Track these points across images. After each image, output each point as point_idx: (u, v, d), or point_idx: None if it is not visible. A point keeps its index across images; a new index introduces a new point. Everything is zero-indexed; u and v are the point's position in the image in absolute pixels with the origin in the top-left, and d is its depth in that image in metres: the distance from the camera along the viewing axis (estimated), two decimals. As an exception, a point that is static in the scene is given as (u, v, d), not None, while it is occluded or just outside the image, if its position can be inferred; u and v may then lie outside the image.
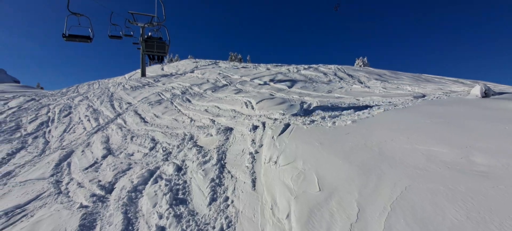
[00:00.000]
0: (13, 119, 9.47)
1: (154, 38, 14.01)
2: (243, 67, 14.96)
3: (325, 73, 11.72)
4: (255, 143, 3.63)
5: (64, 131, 7.66)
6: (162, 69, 17.18)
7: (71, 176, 4.02)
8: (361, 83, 9.42)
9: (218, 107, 6.24)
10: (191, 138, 4.49)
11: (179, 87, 10.04)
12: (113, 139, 5.57)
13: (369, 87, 8.31)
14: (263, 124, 4.14)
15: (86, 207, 3.05)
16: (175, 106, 7.24)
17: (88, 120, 7.96)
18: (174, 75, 13.82)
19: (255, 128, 4.07)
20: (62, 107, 10.06)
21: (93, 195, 3.26)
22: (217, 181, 3.04)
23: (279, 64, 16.60)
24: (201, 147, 4.03)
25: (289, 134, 3.30)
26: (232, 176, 3.09)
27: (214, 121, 5.22)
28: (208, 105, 6.61)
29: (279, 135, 3.40)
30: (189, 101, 7.65)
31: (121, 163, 3.99)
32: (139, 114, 7.18)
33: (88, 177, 3.80)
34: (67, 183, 3.77)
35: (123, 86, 11.81)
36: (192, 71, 14.19)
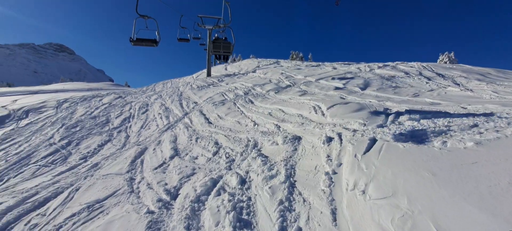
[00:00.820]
0: (105, 114, 11.03)
1: (220, 39, 14.58)
2: (306, 66, 14.22)
3: (406, 73, 10.04)
4: (331, 160, 3.03)
5: (141, 127, 8.45)
6: (226, 69, 17.82)
7: (142, 174, 4.17)
8: (458, 85, 7.62)
9: (283, 111, 5.80)
10: (255, 145, 4.17)
11: (241, 87, 10.03)
12: (180, 138, 5.71)
13: (472, 90, 6.61)
14: (339, 135, 3.49)
15: (152, 213, 2.99)
16: (238, 108, 7.13)
17: (161, 118, 8.60)
18: (236, 75, 14.06)
19: (329, 139, 3.46)
20: (141, 105, 11.28)
21: (159, 199, 3.21)
22: (286, 204, 2.58)
23: (347, 62, 15.20)
24: (266, 157, 3.65)
25: (378, 154, 2.60)
26: (304, 200, 2.59)
27: (279, 126, 4.80)
28: (272, 108, 6.25)
29: (365, 153, 2.72)
30: (252, 102, 7.46)
31: (186, 166, 3.93)
32: (204, 115, 7.32)
33: (156, 178, 3.83)
34: (139, 182, 3.89)
35: (191, 86, 12.55)
36: (254, 71, 14.18)
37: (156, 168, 4.24)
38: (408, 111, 4.48)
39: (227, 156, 3.95)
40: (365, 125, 3.73)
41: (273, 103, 6.72)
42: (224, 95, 9.14)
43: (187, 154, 4.59)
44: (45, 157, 7.14)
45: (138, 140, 7.17)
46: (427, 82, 8.45)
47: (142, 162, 4.70)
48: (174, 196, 3.27)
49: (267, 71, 13.02)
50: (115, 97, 14.54)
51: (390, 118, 4.01)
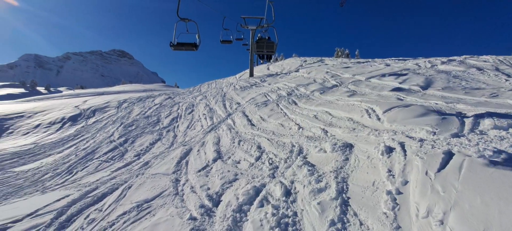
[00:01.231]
0: (156, 114, 11.86)
1: (263, 39, 14.51)
2: (353, 63, 13.23)
3: (479, 68, 8.52)
4: (393, 176, 2.57)
5: (187, 127, 8.80)
6: (268, 68, 17.70)
7: (187, 176, 4.22)
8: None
9: (330, 114, 5.36)
10: (300, 151, 3.87)
11: (284, 88, 9.75)
12: (223, 140, 5.71)
13: None
14: (402, 145, 2.97)
15: (195, 219, 2.94)
16: (281, 109, 6.87)
17: (205, 118, 8.84)
18: (279, 74, 13.81)
19: (389, 150, 2.96)
20: (187, 105, 11.83)
21: (202, 205, 3.16)
22: (339, 225, 2.23)
23: (402, 58, 13.68)
24: (313, 165, 3.32)
25: (459, 173, 2.08)
26: (361, 223, 2.21)
27: (327, 131, 4.40)
28: (317, 111, 5.84)
29: (439, 170, 2.22)
30: (295, 103, 7.13)
31: (228, 171, 3.84)
32: (247, 116, 7.24)
33: (200, 181, 3.81)
34: (183, 184, 3.93)
35: (234, 86, 12.71)
36: (297, 70, 13.75)
37: (199, 171, 4.25)
38: (490, 115, 3.66)
39: (270, 162, 3.74)
40: (434, 133, 3.11)
41: (318, 105, 6.30)
42: (267, 96, 8.98)
43: (229, 157, 4.52)
44: (106, 153, 7.93)
45: (184, 140, 7.46)
46: (507, 80, 7.00)
47: (186, 163, 4.79)
48: (216, 203, 3.18)
49: (311, 70, 12.47)
50: (165, 98, 15.60)
51: (467, 124, 3.29)
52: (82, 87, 58.66)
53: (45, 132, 15.42)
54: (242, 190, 3.13)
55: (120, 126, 10.88)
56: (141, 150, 7.62)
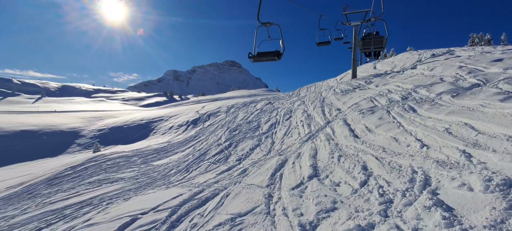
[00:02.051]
0: (257, 119, 12.48)
1: (370, 34, 12.75)
2: (503, 52, 9.51)
3: None
4: None
5: (285, 134, 8.70)
6: (375, 67, 15.43)
7: (280, 193, 3.97)
8: None
9: (473, 128, 3.82)
10: (427, 181, 2.84)
11: (397, 90, 8.06)
12: (321, 153, 5.15)
13: None
14: None
15: (285, 251, 2.61)
16: (394, 118, 5.60)
17: (302, 125, 8.46)
18: (389, 74, 11.71)
19: None
20: (286, 111, 11.82)
21: (293, 234, 2.79)
22: None
23: None
24: (451, 209, 2.31)
25: None
26: None
27: (470, 155, 3.09)
28: (451, 122, 4.32)
29: None
30: (414, 111, 5.65)
31: (325, 195, 3.29)
32: (348, 125, 6.35)
33: (293, 203, 3.46)
34: (276, 202, 3.70)
35: (334, 90, 11.71)
36: (414, 67, 11.22)
37: (293, 188, 3.91)
38: None
39: (380, 191, 2.93)
40: None
41: (450, 113, 4.69)
42: (374, 100, 7.66)
43: (327, 176, 3.95)
44: (214, 155, 8.88)
45: (281, 148, 7.35)
46: None
47: (281, 177, 4.56)
48: (309, 235, 2.73)
49: (435, 66, 9.84)
50: (265, 103, 16.34)
51: None
52: (203, 95, 70.95)
53: (175, 132, 19.23)
54: (342, 227, 2.54)
55: (226, 130, 12.09)
56: (242, 155, 8.09)
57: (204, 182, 6.06)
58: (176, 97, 69.36)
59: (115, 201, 5.74)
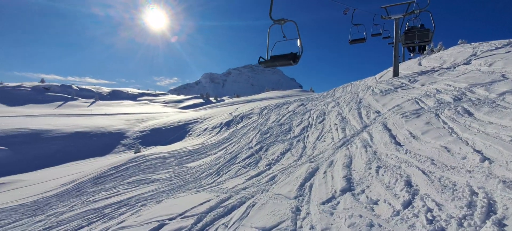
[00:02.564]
0: (288, 122, 12.13)
1: (414, 28, 11.54)
2: None
3: None
4: None
5: (317, 138, 8.23)
6: (420, 64, 13.91)
7: (309, 207, 3.65)
8: None
9: (554, 137, 3.05)
10: (491, 207, 2.29)
11: (448, 89, 7.07)
12: (356, 162, 4.67)
13: None
14: None
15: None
16: (444, 123, 4.85)
17: (336, 129, 7.91)
18: (437, 70, 10.43)
19: None
20: (319, 113, 11.25)
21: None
22: None
23: None
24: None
25: None
26: None
27: (552, 173, 2.43)
28: (521, 128, 3.55)
29: None
30: (471, 114, 4.83)
31: (360, 216, 2.90)
32: (389, 130, 5.71)
33: (322, 222, 3.13)
34: (303, 218, 3.40)
35: (372, 90, 10.82)
36: (468, 63, 9.82)
37: (323, 203, 3.56)
38: None
39: (429, 216, 2.43)
40: None
41: (521, 118, 3.87)
42: (419, 102, 6.81)
43: (363, 191, 3.52)
44: (244, 159, 8.79)
45: (312, 153, 6.94)
46: None
47: (310, 188, 4.22)
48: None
49: (494, 60, 8.45)
50: (298, 105, 15.85)
51: None
52: (237, 96, 72.40)
53: (209, 134, 19.72)
54: (379, 257, 2.16)
55: (258, 133, 11.96)
56: (272, 159, 7.85)
57: (233, 187, 5.97)
58: (211, 99, 71.84)
59: (148, 203, 5.94)
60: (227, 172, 7.94)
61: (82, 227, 5.10)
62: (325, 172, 4.64)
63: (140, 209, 5.43)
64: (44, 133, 17.11)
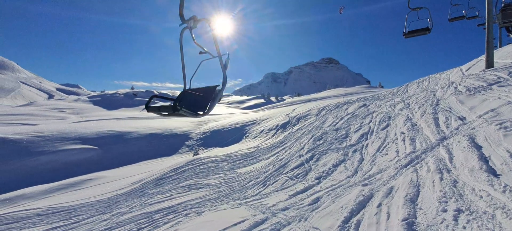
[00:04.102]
0: (346, 126, 10.82)
1: (512, 4, 8.75)
2: None
3: None
4: None
5: (378, 150, 6.94)
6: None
7: (350, 254, 2.85)
8: None
9: None
10: None
11: None
12: (425, 195, 3.52)
13: None
14: None
15: None
16: None
17: (403, 140, 6.47)
18: None
19: None
20: (383, 117, 9.61)
21: None
22: None
23: None
24: None
25: None
26: None
27: None
28: None
29: None
30: None
31: None
32: (479, 147, 4.21)
33: None
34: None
35: (455, 87, 8.56)
36: None
37: (371, 253, 2.72)
38: None
39: None
40: None
41: None
42: (531, 105, 4.89)
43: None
44: (293, 169, 8.14)
45: (370, 170, 5.80)
46: None
47: (357, 227, 3.36)
48: None
49: None
50: (358, 106, 14.10)
51: None
52: (299, 95, 71.02)
53: (265, 136, 19.61)
54: None
55: (311, 138, 11.07)
56: (323, 172, 7.00)
57: (273, 205, 5.48)
58: (272, 98, 72.43)
59: (191, 213, 5.99)
60: (273, 183, 7.47)
61: (131, 233, 5.42)
62: (379, 205, 3.66)
63: (180, 222, 5.48)
64: (126, 135, 19.97)
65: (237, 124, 25.23)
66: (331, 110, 17.54)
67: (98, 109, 51.27)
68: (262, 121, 24.70)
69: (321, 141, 10.06)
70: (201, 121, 28.84)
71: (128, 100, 61.97)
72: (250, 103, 66.82)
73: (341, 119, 12.54)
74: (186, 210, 6.39)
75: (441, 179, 3.68)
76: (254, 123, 24.34)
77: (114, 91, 72.36)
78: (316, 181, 6.54)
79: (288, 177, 7.61)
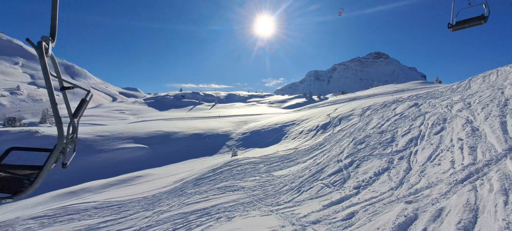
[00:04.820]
0: (392, 129, 9.79)
1: None
2: None
3: None
4: None
5: (429, 158, 6.07)
6: None
7: None
8: None
9: None
10: None
11: None
12: (484, 223, 2.89)
13: None
14: None
15: None
16: None
17: (460, 148, 5.51)
18: None
19: None
20: (436, 119, 8.39)
21: None
22: None
23: None
24: None
25: None
26: None
27: None
28: None
29: None
30: None
31: None
32: None
33: None
34: None
35: (539, 83, 6.99)
36: None
37: None
38: None
39: None
40: None
41: None
42: None
43: None
44: (330, 175, 7.68)
45: (417, 183, 5.08)
46: None
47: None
48: None
49: None
50: (409, 105, 12.63)
51: None
52: (343, 93, 67.46)
53: (304, 138, 19.08)
54: None
55: (351, 142, 10.32)
56: (362, 181, 6.43)
57: (304, 216, 5.23)
58: (314, 97, 70.28)
59: (221, 218, 6.06)
60: (308, 189, 7.14)
61: (167, 233, 5.71)
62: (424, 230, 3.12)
63: (211, 226, 5.57)
64: (172, 135, 21.46)
65: (276, 124, 25.05)
66: (377, 110, 16.17)
67: (151, 110, 56.46)
68: (302, 121, 24.08)
69: (363, 145, 9.28)
70: (241, 121, 29.43)
71: (177, 102, 66.72)
72: (291, 103, 65.84)
73: (387, 120, 11.41)
74: (218, 213, 6.49)
75: (506, 202, 2.98)
76: (294, 124, 23.86)
77: (165, 94, 78.72)
78: (354, 191, 6.03)
79: (324, 184, 7.19)
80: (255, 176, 9.97)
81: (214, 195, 8.45)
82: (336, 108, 24.71)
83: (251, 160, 12.86)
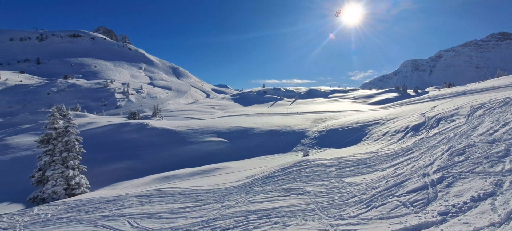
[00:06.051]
0: (509, 138, 7.43)
1: None
2: None
3: None
4: None
5: None
6: None
7: None
8: None
9: None
10: None
11: None
12: None
13: None
14: None
15: None
16: None
17: None
18: None
19: None
20: None
21: None
22: None
23: None
24: None
25: None
26: None
27: None
28: None
29: None
30: None
31: None
32: None
33: None
34: None
35: None
36: None
37: None
38: None
39: None
40: None
41: None
42: None
43: None
44: (411, 191, 6.57)
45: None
46: None
47: None
48: None
49: None
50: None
51: None
52: (449, 85, 55.21)
53: (389, 140, 16.79)
54: None
55: (447, 151, 8.41)
56: (452, 206, 5.17)
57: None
58: (409, 91, 60.33)
59: (278, 223, 6.08)
60: (379, 206, 6.29)
61: (227, 229, 6.21)
62: None
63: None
64: (250, 130, 22.82)
65: (357, 123, 22.93)
66: (493, 110, 12.55)
67: (237, 106, 61.59)
68: (388, 120, 21.18)
69: (462, 157, 7.38)
70: (319, 119, 28.35)
71: (259, 97, 70.23)
72: (380, 98, 58.58)
73: (504, 126, 8.66)
74: (278, 217, 6.54)
75: None
76: (378, 123, 21.29)
77: (249, 90, 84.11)
78: (439, 218, 4.91)
79: (400, 201, 6.16)
80: (323, 180, 9.49)
81: (278, 196, 8.54)
82: (435, 106, 20.50)
83: (322, 161, 12.28)
